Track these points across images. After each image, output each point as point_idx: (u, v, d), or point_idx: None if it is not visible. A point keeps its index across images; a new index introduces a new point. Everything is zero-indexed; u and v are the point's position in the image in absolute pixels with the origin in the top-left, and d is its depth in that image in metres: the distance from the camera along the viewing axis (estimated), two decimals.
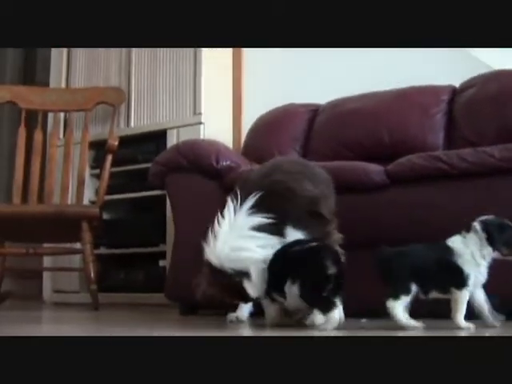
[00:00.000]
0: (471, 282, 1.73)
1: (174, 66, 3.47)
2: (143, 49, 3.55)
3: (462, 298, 1.73)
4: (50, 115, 3.64)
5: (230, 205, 1.93)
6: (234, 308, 2.23)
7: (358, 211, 2.30)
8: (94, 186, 3.56)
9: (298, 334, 1.70)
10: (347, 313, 1.85)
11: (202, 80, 3.37)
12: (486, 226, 1.74)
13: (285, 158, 2.81)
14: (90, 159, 3.59)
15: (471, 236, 1.75)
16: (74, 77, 3.81)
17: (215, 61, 3.48)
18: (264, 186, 1.96)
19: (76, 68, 3.81)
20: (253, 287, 1.82)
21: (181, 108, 3.41)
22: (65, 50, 3.84)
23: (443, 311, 1.77)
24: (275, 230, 1.90)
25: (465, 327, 1.71)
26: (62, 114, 3.64)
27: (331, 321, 1.72)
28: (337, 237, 2.05)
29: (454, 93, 2.89)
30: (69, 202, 3.33)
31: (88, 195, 3.53)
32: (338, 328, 1.73)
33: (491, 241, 1.73)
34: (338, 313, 1.74)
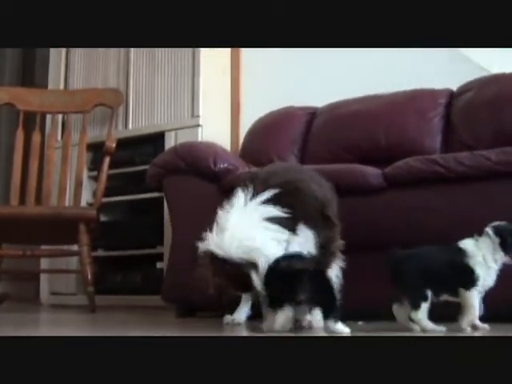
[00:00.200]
0: (480, 283, 1.75)
1: (172, 68, 3.47)
2: (141, 51, 3.56)
3: (470, 299, 1.74)
4: (48, 117, 3.64)
5: (239, 196, 1.90)
6: (232, 310, 2.23)
7: (356, 214, 2.30)
8: (92, 187, 3.56)
9: (296, 334, 1.70)
10: (345, 315, 1.85)
11: (201, 82, 3.38)
12: (499, 231, 1.77)
13: (286, 163, 2.83)
14: (87, 161, 3.59)
15: (484, 240, 1.78)
16: (73, 78, 3.81)
17: (213, 63, 3.49)
18: (276, 184, 1.94)
19: (74, 69, 3.82)
20: (260, 279, 1.78)
21: (179, 110, 3.41)
22: (63, 51, 3.85)
23: (453, 314, 1.78)
24: (288, 224, 1.88)
25: (482, 328, 1.74)
26: (60, 116, 3.64)
27: (277, 321, 1.69)
28: (339, 243, 2.04)
29: (452, 96, 2.90)
30: (66, 203, 3.33)
31: (86, 197, 3.53)
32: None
33: (504, 246, 1.76)
34: (283, 318, 1.71)
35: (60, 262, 3.46)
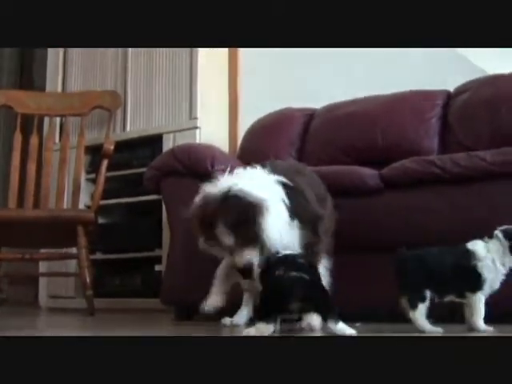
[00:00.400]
0: (487, 286, 1.75)
1: (170, 70, 3.47)
2: (139, 53, 3.56)
3: (476, 302, 1.75)
4: (46, 119, 3.64)
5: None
6: (231, 313, 2.23)
7: (353, 215, 2.30)
8: (90, 190, 3.55)
9: (293, 334, 1.70)
10: (342, 317, 1.85)
11: (198, 85, 3.38)
12: (509, 235, 1.77)
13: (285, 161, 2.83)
14: (85, 164, 3.59)
15: (493, 242, 1.78)
16: (71, 81, 3.82)
17: (211, 65, 3.49)
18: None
19: (72, 72, 3.82)
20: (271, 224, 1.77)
21: (177, 113, 3.42)
22: (61, 53, 3.85)
23: (457, 315, 1.79)
24: (291, 200, 1.87)
25: (484, 330, 1.73)
26: (58, 119, 3.64)
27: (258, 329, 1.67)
28: (325, 245, 2.02)
29: (449, 97, 2.91)
30: (64, 206, 3.33)
31: (84, 200, 3.53)
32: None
33: None
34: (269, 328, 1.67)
35: (59, 266, 3.46)
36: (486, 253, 1.76)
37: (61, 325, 2.52)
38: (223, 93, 3.60)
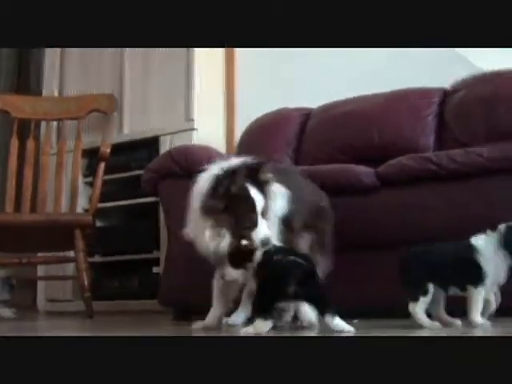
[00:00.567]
0: (489, 280, 1.75)
1: (166, 72, 3.47)
2: (135, 55, 3.56)
3: (476, 295, 1.75)
4: (43, 123, 3.64)
5: None
6: (228, 314, 2.22)
7: (350, 213, 2.30)
8: (88, 193, 3.54)
9: (288, 334, 1.70)
10: (339, 314, 1.84)
11: (195, 86, 3.38)
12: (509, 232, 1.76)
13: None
14: (83, 167, 3.59)
15: (495, 236, 1.78)
16: (67, 85, 3.81)
17: (207, 66, 3.49)
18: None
19: (69, 76, 3.82)
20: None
21: (173, 114, 3.41)
22: (57, 57, 3.85)
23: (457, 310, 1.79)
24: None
25: (480, 324, 1.74)
26: (54, 123, 3.64)
27: (256, 327, 1.67)
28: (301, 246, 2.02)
29: (445, 95, 2.91)
30: (62, 210, 3.32)
31: (82, 203, 3.52)
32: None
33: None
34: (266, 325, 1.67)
35: (56, 269, 3.45)
36: (486, 246, 1.76)
37: (60, 327, 2.52)
38: (220, 94, 3.60)
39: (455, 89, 2.89)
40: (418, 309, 1.74)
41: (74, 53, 3.79)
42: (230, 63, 3.63)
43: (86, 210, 3.44)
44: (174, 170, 2.71)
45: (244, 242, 1.79)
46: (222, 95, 3.61)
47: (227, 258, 1.79)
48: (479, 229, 1.81)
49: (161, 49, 3.45)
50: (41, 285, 3.72)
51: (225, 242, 1.83)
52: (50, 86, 3.86)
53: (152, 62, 3.52)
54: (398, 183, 2.33)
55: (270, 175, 1.87)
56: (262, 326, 1.64)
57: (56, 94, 3.84)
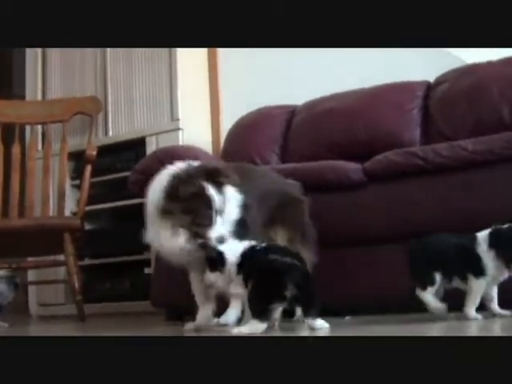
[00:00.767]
0: (490, 273, 1.77)
1: (149, 73, 3.46)
2: (118, 56, 3.55)
3: (477, 287, 1.77)
4: (28, 128, 3.62)
5: None
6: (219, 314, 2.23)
7: (337, 210, 2.31)
8: (76, 196, 3.53)
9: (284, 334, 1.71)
10: (331, 311, 1.86)
11: (179, 86, 3.37)
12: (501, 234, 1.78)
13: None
14: (69, 170, 3.58)
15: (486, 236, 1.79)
16: (50, 88, 3.79)
17: (191, 66, 3.49)
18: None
19: (51, 79, 3.79)
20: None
21: (158, 115, 3.41)
22: (39, 60, 3.82)
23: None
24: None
25: (473, 318, 1.76)
26: (39, 126, 3.62)
27: (252, 327, 1.67)
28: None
29: (429, 88, 2.91)
30: (50, 214, 3.31)
31: (70, 206, 3.51)
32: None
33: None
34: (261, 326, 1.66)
35: (47, 273, 3.44)
36: (487, 239, 1.78)
37: (52, 331, 2.51)
38: (204, 93, 3.60)
39: (439, 81, 2.90)
40: (427, 294, 1.78)
41: (56, 55, 3.77)
42: (213, 61, 3.63)
43: (75, 214, 3.43)
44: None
45: (199, 240, 1.79)
46: (207, 94, 3.61)
47: (206, 261, 1.79)
48: (466, 222, 1.83)
49: (144, 49, 3.44)
50: (32, 289, 3.71)
51: (181, 240, 1.83)
52: (33, 92, 3.83)
53: (135, 62, 3.51)
54: (385, 179, 2.33)
55: (229, 177, 1.86)
56: (257, 328, 1.64)
57: (39, 97, 3.81)
